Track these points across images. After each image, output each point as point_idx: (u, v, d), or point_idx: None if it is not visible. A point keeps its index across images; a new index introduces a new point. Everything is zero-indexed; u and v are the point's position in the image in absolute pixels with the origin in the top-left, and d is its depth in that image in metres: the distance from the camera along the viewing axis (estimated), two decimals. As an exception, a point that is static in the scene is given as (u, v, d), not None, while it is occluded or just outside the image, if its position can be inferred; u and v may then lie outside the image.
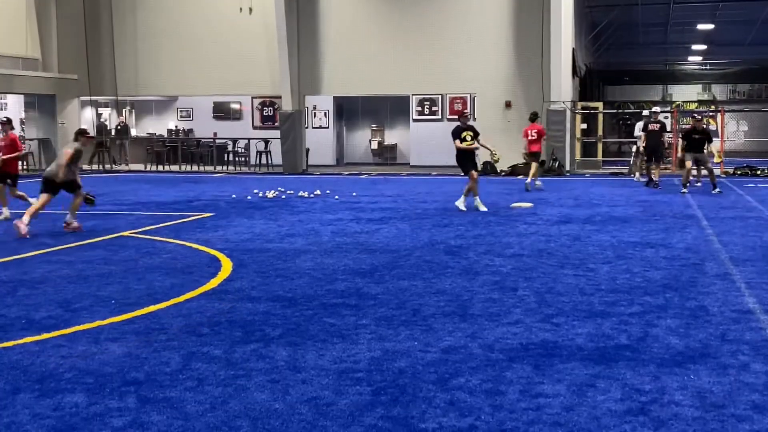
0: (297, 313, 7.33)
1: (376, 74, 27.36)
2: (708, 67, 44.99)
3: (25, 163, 27.88)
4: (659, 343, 6.28)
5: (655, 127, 20.57)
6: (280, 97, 28.10)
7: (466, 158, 15.78)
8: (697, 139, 19.27)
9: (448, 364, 5.80)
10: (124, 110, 32.64)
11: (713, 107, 39.91)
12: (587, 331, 6.66)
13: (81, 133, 13.59)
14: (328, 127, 31.80)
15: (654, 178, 20.51)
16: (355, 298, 7.96)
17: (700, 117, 20.07)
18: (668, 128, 21.68)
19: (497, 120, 26.69)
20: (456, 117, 18.97)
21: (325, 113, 31.74)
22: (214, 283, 8.73)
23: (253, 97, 31.21)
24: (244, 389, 5.29)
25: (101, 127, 31.04)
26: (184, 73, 28.90)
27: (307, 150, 28.96)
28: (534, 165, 20.79)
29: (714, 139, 21.73)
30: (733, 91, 45.58)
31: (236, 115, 32.40)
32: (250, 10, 27.06)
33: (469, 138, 15.58)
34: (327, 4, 27.66)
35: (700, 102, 44.02)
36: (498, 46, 26.53)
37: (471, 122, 16.75)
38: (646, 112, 22.66)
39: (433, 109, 30.35)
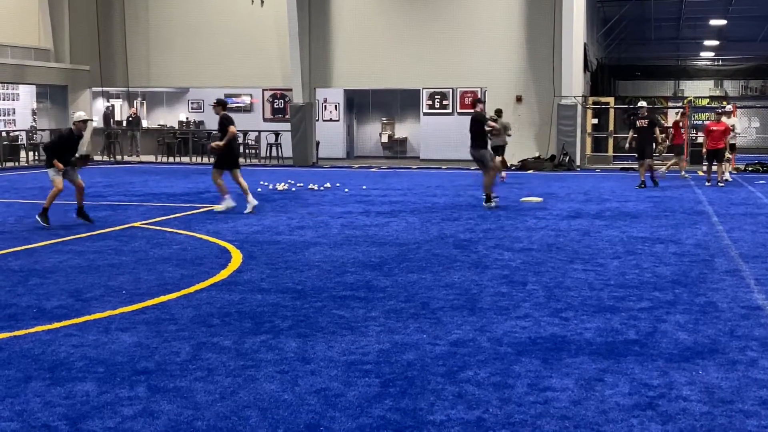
0: (306, 305, 7.36)
1: (387, 67, 27.36)
2: (720, 63, 44.83)
3: (36, 153, 27.99)
4: (668, 339, 6.28)
5: (644, 123, 19.55)
6: (290, 90, 28.12)
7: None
8: (476, 133, 14.99)
9: (456, 357, 5.82)
10: (135, 101, 32.72)
11: (725, 103, 39.78)
12: (596, 325, 6.67)
13: (499, 113, 19.93)
14: (338, 120, 31.78)
15: (655, 177, 19.94)
16: (365, 290, 7.98)
17: (474, 97, 15.77)
18: (659, 123, 20.84)
19: (508, 114, 26.64)
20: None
21: (336, 106, 31.72)
22: (224, 274, 8.77)
23: (264, 90, 31.24)
24: (253, 380, 5.32)
25: (107, 118, 31.08)
26: (195, 64, 28.96)
27: (318, 143, 28.97)
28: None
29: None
30: (745, 87, 45.41)
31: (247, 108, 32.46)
32: (262, 2, 27.07)
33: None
34: (338, -3, 27.66)
35: (712, 98, 43.85)
36: (509, 40, 26.50)
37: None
38: (642, 103, 21.37)
39: (444, 102, 30.30)
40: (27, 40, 27.94)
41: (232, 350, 5.97)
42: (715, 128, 20.07)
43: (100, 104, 32.02)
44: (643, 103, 20.66)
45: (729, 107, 22.63)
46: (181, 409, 4.81)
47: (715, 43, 40.78)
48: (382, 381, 5.30)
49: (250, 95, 32.15)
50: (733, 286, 8.21)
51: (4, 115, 31.84)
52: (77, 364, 5.63)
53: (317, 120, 29.67)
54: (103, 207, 15.00)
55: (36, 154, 28.03)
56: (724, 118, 20.77)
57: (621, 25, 35.17)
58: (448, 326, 6.64)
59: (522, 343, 6.18)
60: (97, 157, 30.16)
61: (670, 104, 42.22)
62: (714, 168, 20.37)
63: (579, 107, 25.84)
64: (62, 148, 12.71)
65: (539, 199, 16.33)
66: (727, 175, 20.66)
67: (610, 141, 28.93)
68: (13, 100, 32.07)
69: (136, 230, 12.11)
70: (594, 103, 28.63)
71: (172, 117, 33.42)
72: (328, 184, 19.51)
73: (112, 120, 31.72)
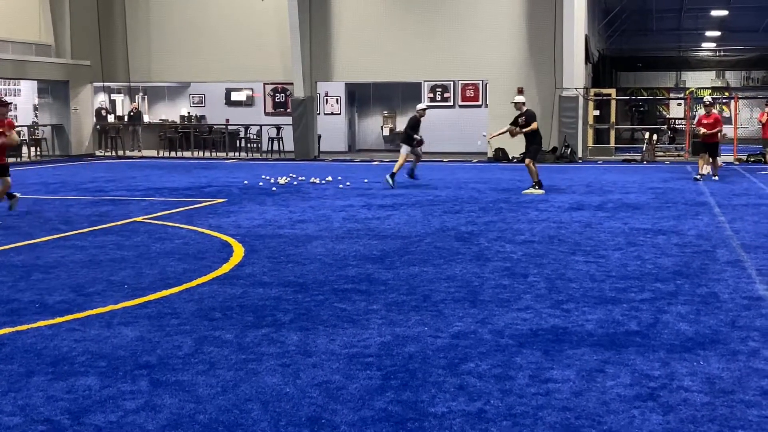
0: (308, 299, 7.36)
1: (388, 60, 27.33)
2: (722, 53, 44.70)
3: (38, 149, 28.03)
4: (669, 330, 6.28)
5: (522, 120, 16.78)
6: (292, 84, 28.12)
7: None
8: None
9: (458, 349, 5.83)
10: (136, 96, 32.72)
11: (726, 94, 39.72)
12: (597, 317, 6.67)
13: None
14: (339, 114, 31.82)
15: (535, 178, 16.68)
16: (366, 283, 7.99)
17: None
18: (535, 118, 16.90)
19: (509, 106, 26.59)
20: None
21: (337, 99, 31.74)
22: (226, 268, 8.78)
23: (265, 84, 31.24)
24: (255, 373, 5.33)
25: (100, 112, 31.04)
26: (196, 59, 28.95)
27: (319, 136, 28.98)
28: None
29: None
30: (747, 78, 45.29)
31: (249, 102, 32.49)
32: (262, -5, 27.06)
33: None
34: (339, -10, 27.63)
35: (714, 89, 43.76)
36: (510, 32, 26.46)
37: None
38: (518, 98, 17.84)
39: (445, 95, 30.31)
40: (28, 35, 27.94)
41: (234, 344, 5.98)
42: (706, 121, 19.27)
43: (102, 99, 32.05)
44: (518, 98, 17.74)
45: (708, 98, 20.95)
46: (183, 402, 4.82)
47: (717, 33, 40.67)
48: (383, 373, 5.31)
49: (251, 89, 32.18)
50: (735, 276, 8.21)
51: (6, 111, 31.84)
52: (79, 359, 5.65)
53: (318, 114, 29.67)
54: (105, 202, 15.02)
55: (38, 149, 28.05)
56: (716, 110, 20.52)
57: (622, 17, 35.10)
58: (449, 319, 6.64)
59: (523, 335, 6.18)
60: (99, 152, 30.18)
61: (672, 95, 42.18)
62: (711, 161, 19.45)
63: (581, 99, 25.81)
64: (415, 129, 17.84)
65: (541, 192, 16.31)
66: (710, 170, 19.53)
67: (612, 132, 28.93)
68: (15, 95, 32.09)
69: (138, 225, 12.13)
70: (595, 94, 28.60)
71: (174, 112, 33.47)
72: (329, 178, 19.51)
73: (108, 115, 31.64)
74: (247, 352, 5.77)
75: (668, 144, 29.93)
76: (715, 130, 19.20)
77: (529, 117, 16.85)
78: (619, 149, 29.24)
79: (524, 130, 16.61)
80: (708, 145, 19.36)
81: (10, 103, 14.73)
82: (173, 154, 29.65)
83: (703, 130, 19.39)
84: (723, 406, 4.72)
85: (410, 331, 6.30)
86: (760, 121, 22.79)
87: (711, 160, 19.36)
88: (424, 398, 4.86)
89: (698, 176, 19.13)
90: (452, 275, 8.34)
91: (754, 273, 8.37)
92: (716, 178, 19.14)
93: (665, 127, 35.40)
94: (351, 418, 4.57)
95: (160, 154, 29.65)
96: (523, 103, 17.25)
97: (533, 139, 16.76)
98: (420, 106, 18.59)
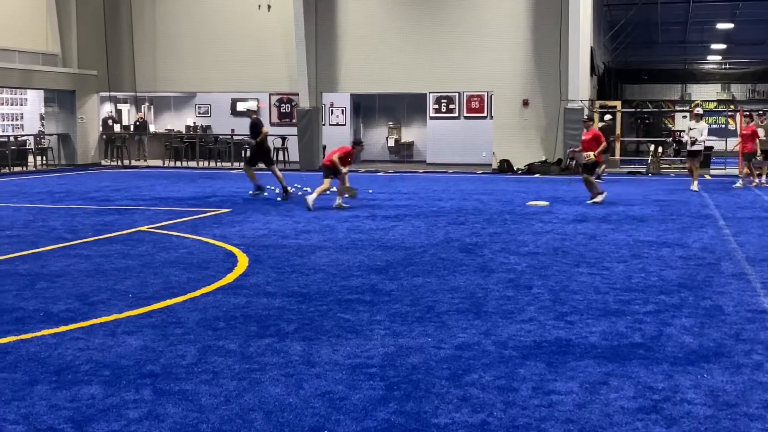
0: (312, 309, 7.37)
1: (393, 72, 27.38)
2: (727, 66, 44.75)
3: (44, 158, 28.10)
4: (673, 342, 6.28)
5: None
6: (297, 94, 28.17)
7: None
8: None
9: (461, 360, 5.83)
10: (142, 106, 32.81)
11: (732, 107, 39.72)
12: (601, 329, 6.67)
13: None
14: (345, 125, 31.84)
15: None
16: (370, 294, 7.99)
17: None
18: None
19: (515, 118, 26.67)
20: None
21: (342, 110, 31.78)
22: (230, 278, 8.79)
23: (270, 94, 31.30)
24: (258, 383, 5.34)
25: (107, 121, 31.10)
26: (202, 69, 29.02)
27: (324, 147, 29.00)
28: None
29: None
30: (752, 90, 45.31)
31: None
32: (269, 7, 27.10)
33: None
34: (345, 2, 27.70)
35: (719, 101, 43.77)
36: (516, 44, 26.50)
37: None
38: (248, 105, 18.06)
39: (450, 107, 30.34)
40: (35, 45, 28.03)
41: (238, 353, 5.99)
42: (584, 137, 16.81)
43: (108, 108, 32.14)
44: (249, 105, 17.51)
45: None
46: (187, 412, 4.83)
47: (722, 46, 40.73)
48: (386, 384, 5.31)
49: (257, 99, 32.23)
50: (739, 289, 8.20)
51: (13, 120, 31.97)
52: (83, 368, 5.66)
53: (324, 124, 29.71)
54: (110, 211, 15.05)
55: (44, 158, 28.13)
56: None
57: (628, 29, 35.15)
58: (453, 330, 6.64)
59: (527, 346, 6.18)
60: (105, 162, 30.25)
61: (677, 108, 42.18)
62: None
63: (586, 111, 25.82)
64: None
65: (546, 203, 16.32)
66: (599, 199, 16.44)
67: (617, 145, 28.94)
68: (21, 104, 32.21)
69: (143, 234, 12.15)
70: (601, 106, 28.61)
71: (180, 121, 33.52)
72: (335, 188, 19.50)
73: (115, 124, 31.71)
74: (251, 362, 5.78)
75: (673, 156, 29.92)
76: (601, 148, 16.64)
77: (253, 126, 17.62)
78: (624, 161, 29.23)
79: (257, 140, 17.41)
80: (587, 165, 16.69)
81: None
82: (179, 163, 29.70)
83: (580, 148, 17.09)
84: (726, 419, 4.71)
85: (414, 341, 6.30)
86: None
87: (589, 178, 16.64)
88: (427, 409, 4.86)
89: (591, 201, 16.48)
90: (456, 286, 8.35)
91: (758, 286, 8.36)
92: (595, 201, 16.41)
93: (670, 139, 35.40)
94: (354, 428, 4.57)
95: (166, 164, 29.70)
96: (254, 112, 17.49)
97: (260, 147, 17.70)
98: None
